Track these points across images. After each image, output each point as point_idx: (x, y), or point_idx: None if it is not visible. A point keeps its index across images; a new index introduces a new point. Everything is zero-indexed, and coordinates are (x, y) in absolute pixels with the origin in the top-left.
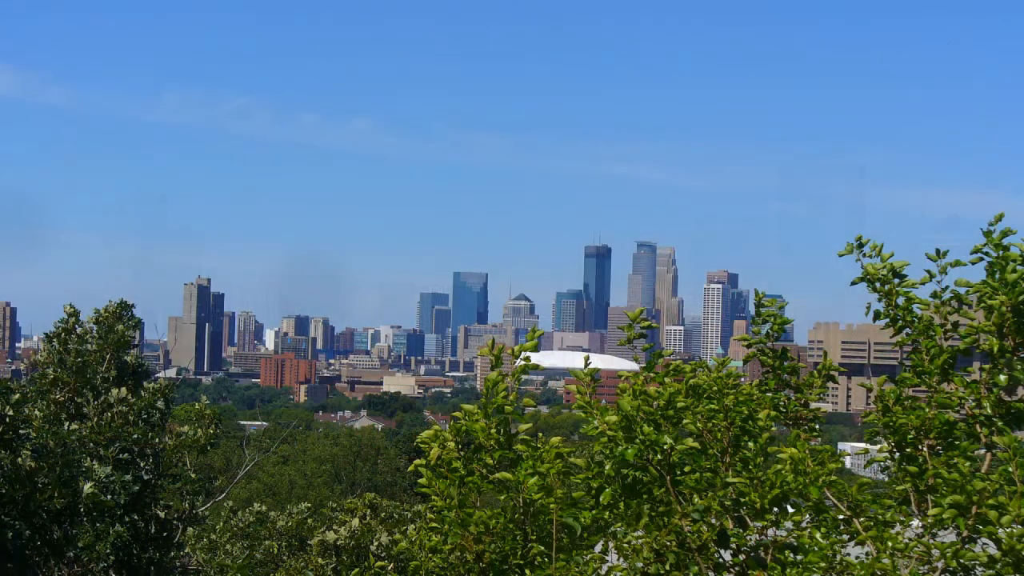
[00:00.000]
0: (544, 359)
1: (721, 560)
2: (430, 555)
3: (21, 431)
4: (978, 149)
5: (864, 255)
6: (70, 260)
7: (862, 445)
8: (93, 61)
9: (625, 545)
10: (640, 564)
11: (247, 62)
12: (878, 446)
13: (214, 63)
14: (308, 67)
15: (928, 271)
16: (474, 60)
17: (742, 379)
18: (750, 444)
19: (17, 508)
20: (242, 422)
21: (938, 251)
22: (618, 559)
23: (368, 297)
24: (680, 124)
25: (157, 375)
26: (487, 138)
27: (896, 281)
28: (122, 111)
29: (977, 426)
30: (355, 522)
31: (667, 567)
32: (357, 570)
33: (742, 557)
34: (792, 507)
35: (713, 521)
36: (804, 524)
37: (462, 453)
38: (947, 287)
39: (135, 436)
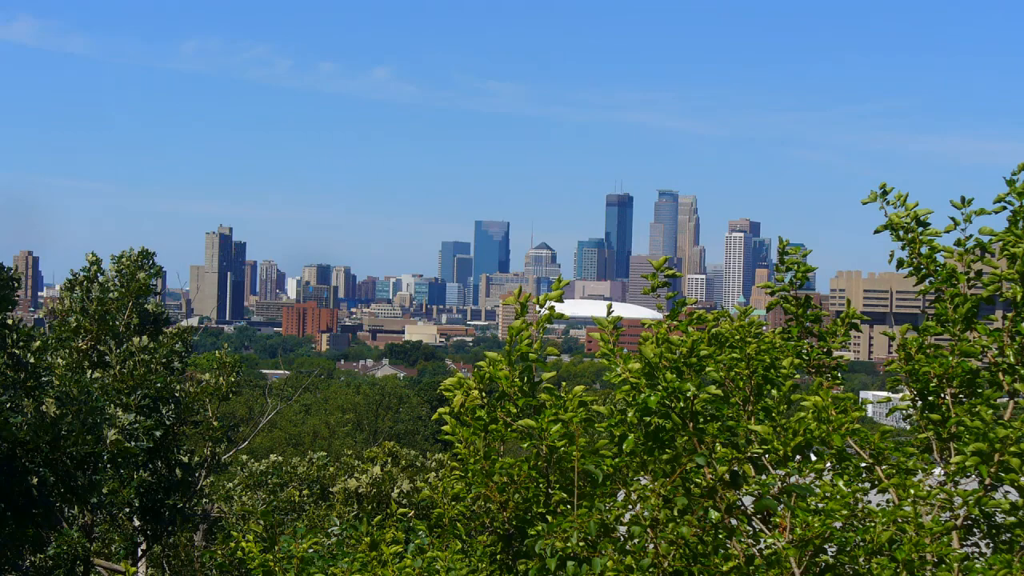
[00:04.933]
0: (566, 308)
1: (739, 504)
2: (453, 503)
3: (44, 379)
4: (1004, 97)
5: (888, 203)
6: (92, 210)
7: (884, 393)
8: (113, 10)
9: (641, 492)
10: (647, 512)
11: (266, 11)
12: (900, 394)
13: (233, 12)
14: (327, 15)
15: (953, 218)
16: (494, 7)
17: (764, 327)
18: (773, 392)
19: (41, 455)
20: (264, 371)
21: (963, 198)
22: (633, 507)
23: (389, 246)
24: (702, 71)
25: (179, 323)
26: (508, 86)
27: (920, 230)
28: (142, 59)
29: (1000, 374)
30: (376, 470)
31: (675, 512)
32: (379, 517)
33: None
34: (815, 455)
35: (719, 467)
36: (826, 472)
37: (486, 401)
38: (971, 235)
39: (158, 384)
